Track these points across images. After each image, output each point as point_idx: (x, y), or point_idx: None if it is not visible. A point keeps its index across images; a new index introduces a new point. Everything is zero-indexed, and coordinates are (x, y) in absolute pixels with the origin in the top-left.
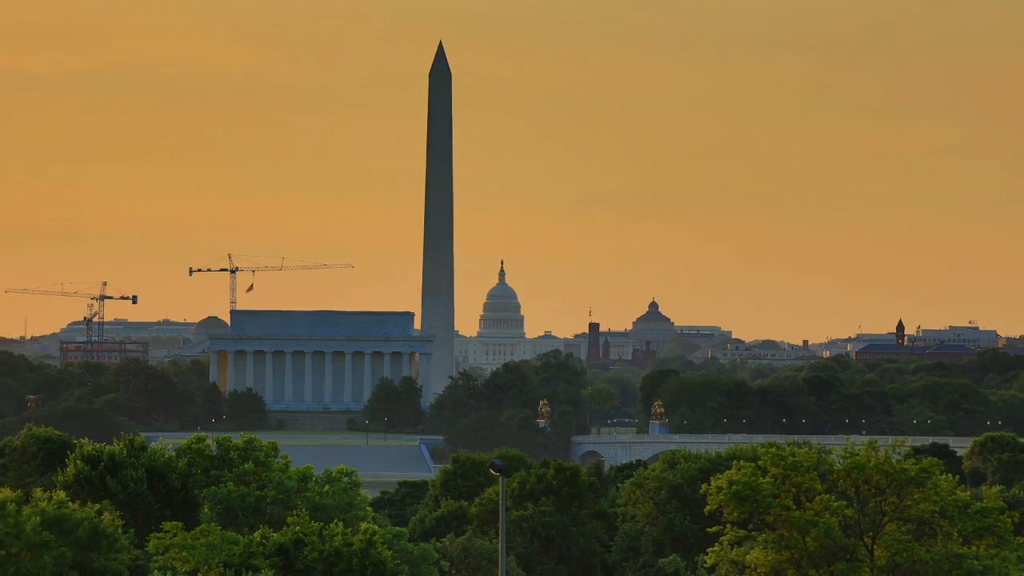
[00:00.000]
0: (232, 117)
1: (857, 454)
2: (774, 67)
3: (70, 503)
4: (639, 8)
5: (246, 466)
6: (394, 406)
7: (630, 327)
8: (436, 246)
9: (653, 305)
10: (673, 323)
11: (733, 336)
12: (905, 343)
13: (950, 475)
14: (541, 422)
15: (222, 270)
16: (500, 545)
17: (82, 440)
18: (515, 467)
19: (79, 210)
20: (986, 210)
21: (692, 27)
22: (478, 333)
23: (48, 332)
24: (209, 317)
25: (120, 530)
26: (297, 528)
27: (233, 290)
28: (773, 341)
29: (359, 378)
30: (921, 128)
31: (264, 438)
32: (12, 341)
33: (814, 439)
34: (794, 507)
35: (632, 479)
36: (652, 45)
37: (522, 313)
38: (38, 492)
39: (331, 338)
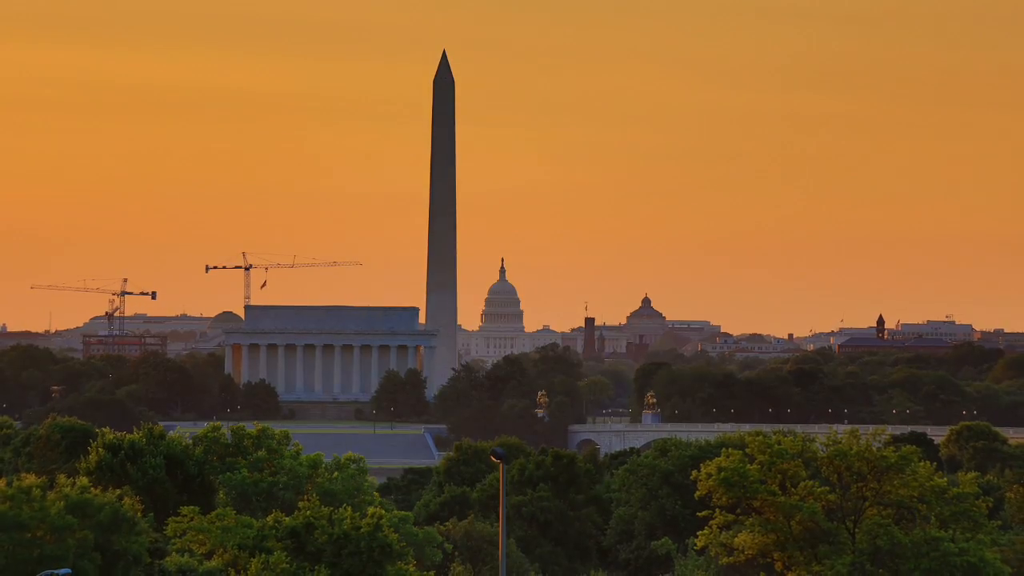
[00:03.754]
0: (245, 124)
1: (839, 442)
2: (760, 70)
3: (92, 489)
4: (635, 14)
5: (259, 454)
6: (400, 397)
7: (624, 321)
8: (440, 245)
9: (646, 301)
10: (665, 318)
11: (722, 330)
12: (885, 337)
13: (928, 462)
14: (539, 412)
15: (237, 267)
16: (500, 529)
17: (104, 429)
18: (515, 455)
19: (101, 211)
20: (964, 209)
21: (683, 34)
22: (480, 327)
23: (72, 326)
24: (224, 312)
25: (140, 514)
26: (308, 512)
27: (247, 286)
28: (760, 335)
29: (367, 370)
30: (903, 128)
31: (276, 427)
32: (37, 335)
33: (799, 428)
34: (779, 492)
35: (626, 466)
36: (644, 50)
37: (521, 308)
38: (62, 478)
39: (340, 332)
